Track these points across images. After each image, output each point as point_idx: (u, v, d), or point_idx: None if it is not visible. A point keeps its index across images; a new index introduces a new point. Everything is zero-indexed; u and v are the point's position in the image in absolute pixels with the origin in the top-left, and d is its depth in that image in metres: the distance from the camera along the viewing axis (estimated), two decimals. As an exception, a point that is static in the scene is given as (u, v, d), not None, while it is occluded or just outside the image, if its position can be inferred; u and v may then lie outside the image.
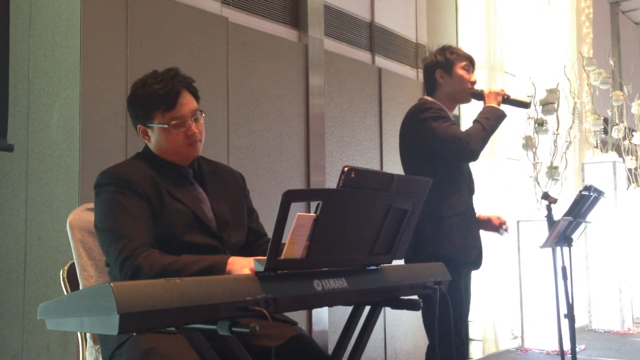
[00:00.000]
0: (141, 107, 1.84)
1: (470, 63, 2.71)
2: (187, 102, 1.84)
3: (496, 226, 2.78)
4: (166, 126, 1.81)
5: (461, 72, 2.68)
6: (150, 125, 1.84)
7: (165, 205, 1.76)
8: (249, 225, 1.99)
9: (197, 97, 1.90)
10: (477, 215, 2.77)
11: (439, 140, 2.52)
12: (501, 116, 2.57)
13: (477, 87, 2.74)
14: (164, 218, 1.75)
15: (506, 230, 2.78)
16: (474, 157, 2.52)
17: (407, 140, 2.69)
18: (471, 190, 2.72)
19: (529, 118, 5.67)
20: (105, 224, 1.71)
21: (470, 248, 2.63)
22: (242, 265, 1.55)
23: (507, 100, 2.60)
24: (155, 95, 1.80)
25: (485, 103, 2.63)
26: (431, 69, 2.74)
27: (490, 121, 2.52)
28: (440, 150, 2.54)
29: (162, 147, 1.85)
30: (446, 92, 2.70)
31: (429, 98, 2.73)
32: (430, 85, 2.76)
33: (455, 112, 5.64)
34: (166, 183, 1.81)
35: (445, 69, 2.70)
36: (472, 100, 2.76)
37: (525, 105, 2.64)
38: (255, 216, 2.05)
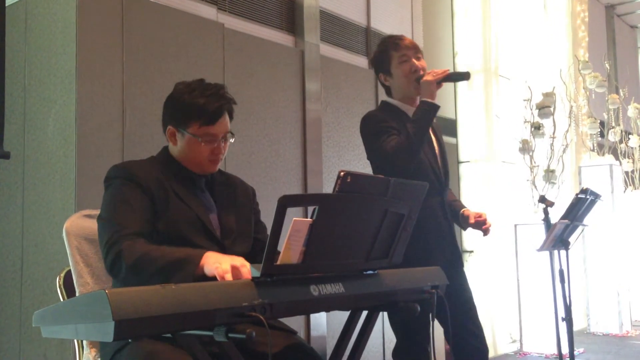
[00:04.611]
0: (181, 111, 1.86)
1: (407, 48, 2.50)
2: (225, 123, 1.90)
3: (476, 224, 2.55)
4: (198, 139, 1.84)
5: (399, 68, 2.50)
6: (183, 131, 1.87)
7: (170, 205, 1.79)
8: (256, 237, 2.00)
9: (231, 118, 1.95)
10: (462, 210, 2.62)
11: (379, 161, 2.52)
12: (429, 110, 2.37)
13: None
14: (168, 217, 1.78)
15: (486, 230, 2.55)
16: (406, 169, 2.34)
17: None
18: (436, 190, 2.48)
19: (525, 122, 5.68)
20: (105, 214, 1.76)
21: (423, 251, 2.35)
22: (216, 260, 1.53)
23: (445, 79, 2.42)
24: (198, 106, 1.83)
25: (421, 96, 2.44)
26: (377, 75, 2.63)
27: (417, 123, 2.36)
28: (384, 169, 2.45)
29: (185, 155, 1.89)
30: (397, 92, 2.56)
31: (388, 100, 2.60)
32: (385, 90, 2.63)
33: (452, 115, 5.64)
34: (175, 186, 1.84)
35: (384, 71, 2.57)
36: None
37: (464, 76, 2.49)
38: (263, 227, 2.06)
